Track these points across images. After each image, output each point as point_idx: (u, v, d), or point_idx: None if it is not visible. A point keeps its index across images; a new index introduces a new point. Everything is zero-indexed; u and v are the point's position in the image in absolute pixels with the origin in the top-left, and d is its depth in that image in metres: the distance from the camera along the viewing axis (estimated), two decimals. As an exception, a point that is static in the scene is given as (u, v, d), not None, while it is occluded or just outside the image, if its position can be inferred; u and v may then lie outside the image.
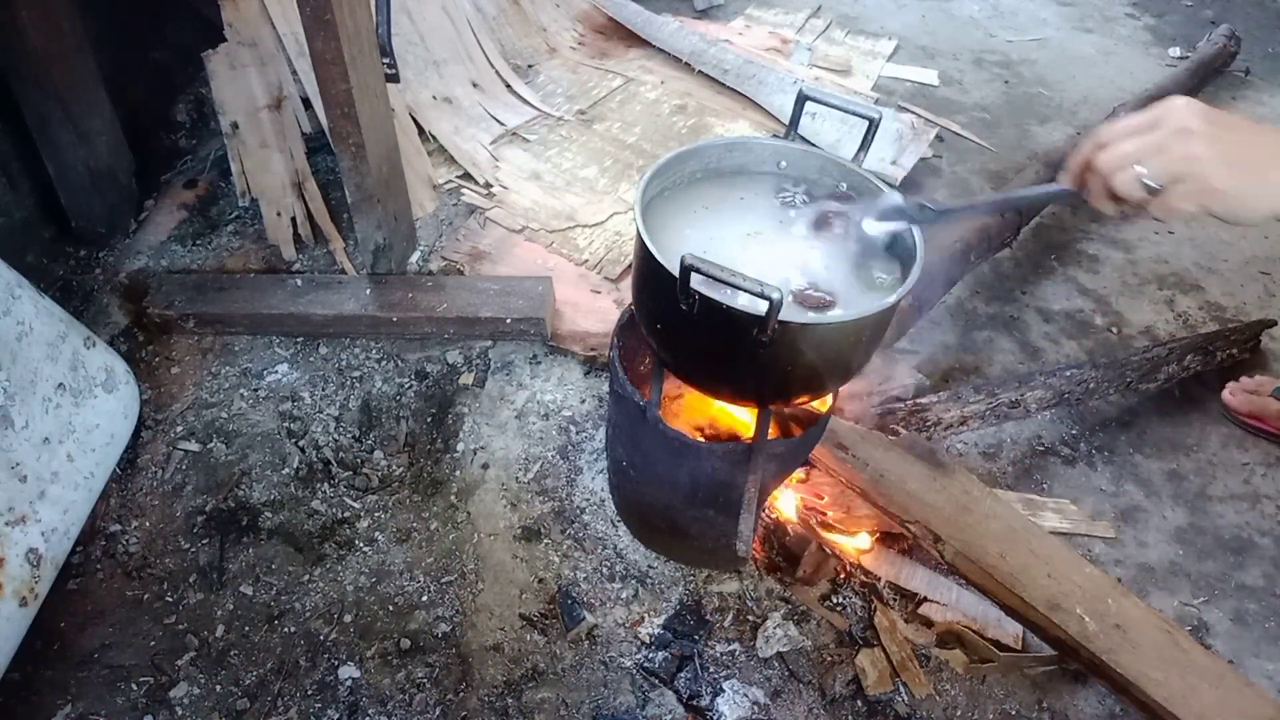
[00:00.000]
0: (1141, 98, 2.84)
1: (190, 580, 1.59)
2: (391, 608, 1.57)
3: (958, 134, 2.95)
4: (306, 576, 1.61)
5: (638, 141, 2.66)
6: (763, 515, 1.65)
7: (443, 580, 1.61)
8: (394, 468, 1.79)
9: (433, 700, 1.45)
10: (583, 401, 1.91)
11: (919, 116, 2.92)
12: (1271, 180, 0.83)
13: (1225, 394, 2.04)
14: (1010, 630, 1.56)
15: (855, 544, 1.64)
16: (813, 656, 1.52)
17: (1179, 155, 0.82)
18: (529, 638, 1.53)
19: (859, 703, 1.47)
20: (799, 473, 1.67)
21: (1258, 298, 2.42)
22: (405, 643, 1.52)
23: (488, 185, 2.40)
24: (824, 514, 1.65)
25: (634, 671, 1.49)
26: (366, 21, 1.67)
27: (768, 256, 1.21)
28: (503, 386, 1.94)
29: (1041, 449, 1.96)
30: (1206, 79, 3.17)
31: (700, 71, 2.99)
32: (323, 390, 1.90)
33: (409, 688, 1.47)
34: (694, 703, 1.45)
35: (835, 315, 1.11)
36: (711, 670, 1.50)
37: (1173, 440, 2.00)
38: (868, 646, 1.53)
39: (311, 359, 1.97)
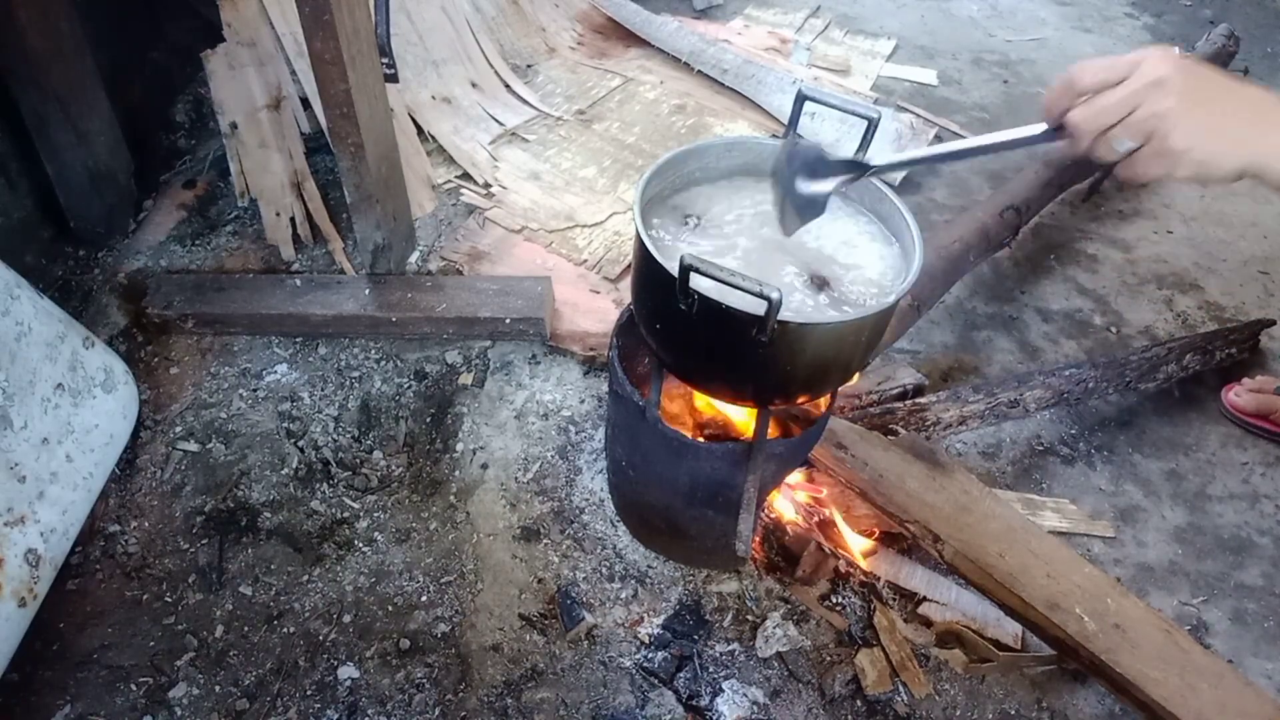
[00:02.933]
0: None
1: (189, 580, 1.59)
2: (391, 608, 1.57)
3: (957, 134, 2.95)
4: (306, 577, 1.61)
5: (637, 141, 2.66)
6: (762, 515, 1.65)
7: (442, 580, 1.61)
8: (393, 468, 1.79)
9: (432, 700, 1.45)
10: (582, 401, 1.91)
11: (918, 116, 2.92)
12: (1228, 140, 0.79)
13: (1231, 395, 2.04)
14: (1009, 630, 1.56)
15: (859, 545, 1.64)
16: (812, 656, 1.52)
17: (1148, 112, 0.79)
18: (528, 638, 1.53)
19: (858, 702, 1.47)
20: (800, 472, 1.67)
21: (1257, 297, 2.42)
22: (405, 643, 1.52)
23: (487, 185, 2.40)
24: (824, 509, 1.65)
25: (633, 671, 1.49)
26: (365, 21, 1.67)
27: (766, 255, 1.21)
28: (502, 386, 1.94)
29: (1041, 449, 1.96)
30: (1205, 79, 3.17)
31: (699, 71, 2.99)
32: (322, 390, 1.90)
33: (408, 688, 1.47)
34: (693, 703, 1.45)
35: (834, 315, 1.11)
36: (711, 670, 1.50)
37: (1172, 440, 2.00)
38: (867, 646, 1.54)
39: (310, 359, 1.97)
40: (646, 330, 1.25)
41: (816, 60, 3.24)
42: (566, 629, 1.54)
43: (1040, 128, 0.90)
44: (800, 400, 1.31)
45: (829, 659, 1.52)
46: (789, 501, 1.67)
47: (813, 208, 1.11)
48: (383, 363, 1.97)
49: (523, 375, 1.96)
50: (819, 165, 1.08)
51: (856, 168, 1.07)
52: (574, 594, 1.58)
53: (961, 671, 1.53)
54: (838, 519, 1.64)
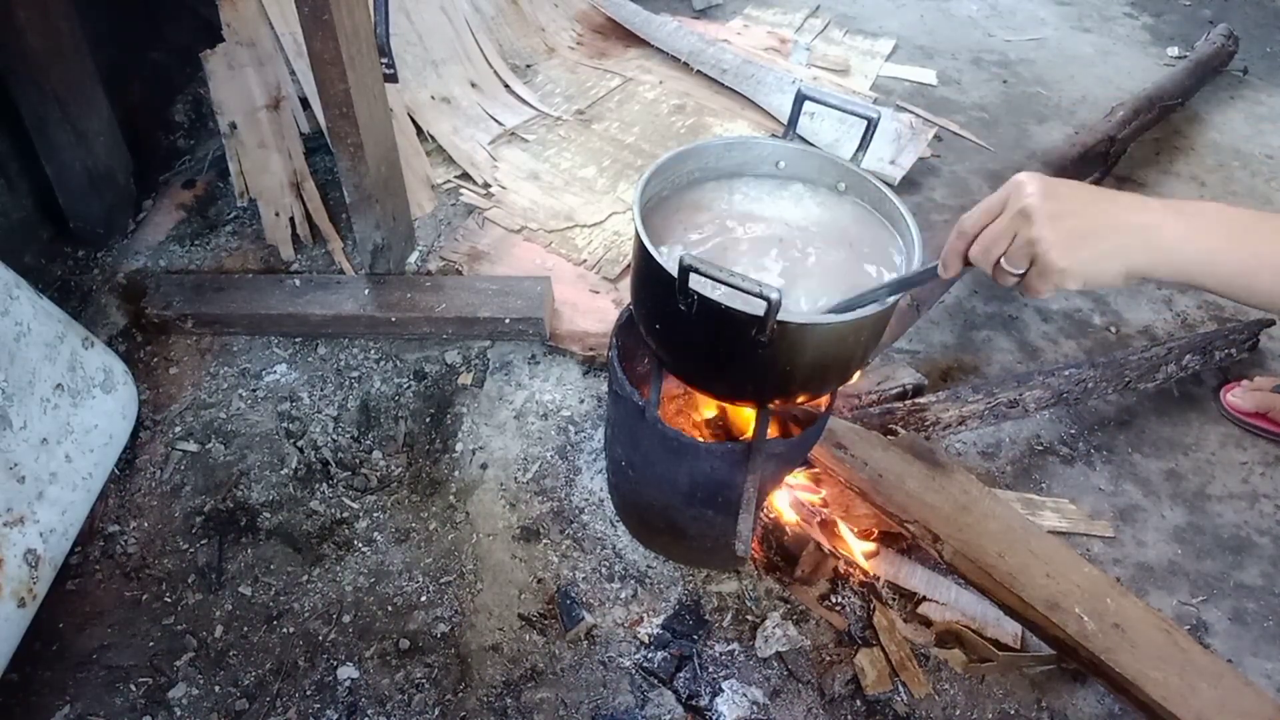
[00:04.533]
0: (1139, 97, 2.85)
1: (189, 581, 1.59)
2: (390, 608, 1.57)
3: (956, 134, 2.95)
4: (305, 577, 1.61)
5: (636, 141, 2.66)
6: (761, 515, 1.65)
7: (441, 580, 1.61)
8: (393, 468, 1.79)
9: (432, 700, 1.45)
10: (581, 401, 1.91)
11: (917, 116, 2.92)
12: (1099, 250, 0.83)
13: (1230, 396, 2.04)
14: (1009, 629, 1.56)
15: (861, 548, 1.64)
16: (811, 656, 1.52)
17: (1022, 241, 0.85)
18: (528, 638, 1.53)
19: (858, 702, 1.47)
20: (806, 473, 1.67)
21: (1256, 297, 2.41)
22: (404, 643, 1.52)
23: (486, 185, 2.40)
24: (824, 509, 1.65)
25: (633, 671, 1.49)
26: (365, 21, 1.67)
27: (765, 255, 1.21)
28: (501, 386, 1.94)
29: (1040, 448, 1.96)
30: (1204, 78, 3.18)
31: (699, 71, 2.99)
32: (321, 390, 1.90)
33: (408, 688, 1.47)
34: (693, 702, 1.45)
35: (833, 315, 1.11)
36: (710, 670, 1.50)
37: (1171, 439, 2.00)
38: (867, 646, 1.54)
39: (310, 359, 1.97)
40: (646, 330, 1.25)
41: (816, 60, 3.24)
42: (566, 629, 1.54)
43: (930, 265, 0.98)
44: (800, 400, 1.31)
45: (828, 659, 1.52)
46: (790, 502, 1.67)
47: None
48: (382, 363, 1.97)
49: (522, 375, 1.96)
50: None
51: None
52: (573, 594, 1.58)
53: (961, 671, 1.53)
54: (843, 530, 1.64)
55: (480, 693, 1.46)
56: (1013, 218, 0.85)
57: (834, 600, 1.61)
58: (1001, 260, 0.87)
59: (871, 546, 1.65)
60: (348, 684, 1.47)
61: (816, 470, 1.64)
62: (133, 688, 1.44)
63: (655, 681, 1.48)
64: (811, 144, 1.37)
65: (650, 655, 1.51)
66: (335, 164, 1.86)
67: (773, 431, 1.48)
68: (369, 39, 1.70)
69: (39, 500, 1.42)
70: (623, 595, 1.59)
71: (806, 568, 1.60)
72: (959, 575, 1.52)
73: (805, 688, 1.49)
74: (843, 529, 1.64)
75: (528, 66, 2.93)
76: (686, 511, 1.42)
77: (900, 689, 1.49)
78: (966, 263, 0.93)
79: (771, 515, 1.66)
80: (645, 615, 1.57)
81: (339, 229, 2.19)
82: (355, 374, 1.94)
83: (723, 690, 1.47)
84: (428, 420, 1.88)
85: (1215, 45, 3.28)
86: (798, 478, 1.69)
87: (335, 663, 1.49)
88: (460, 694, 1.46)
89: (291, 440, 1.81)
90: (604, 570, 1.63)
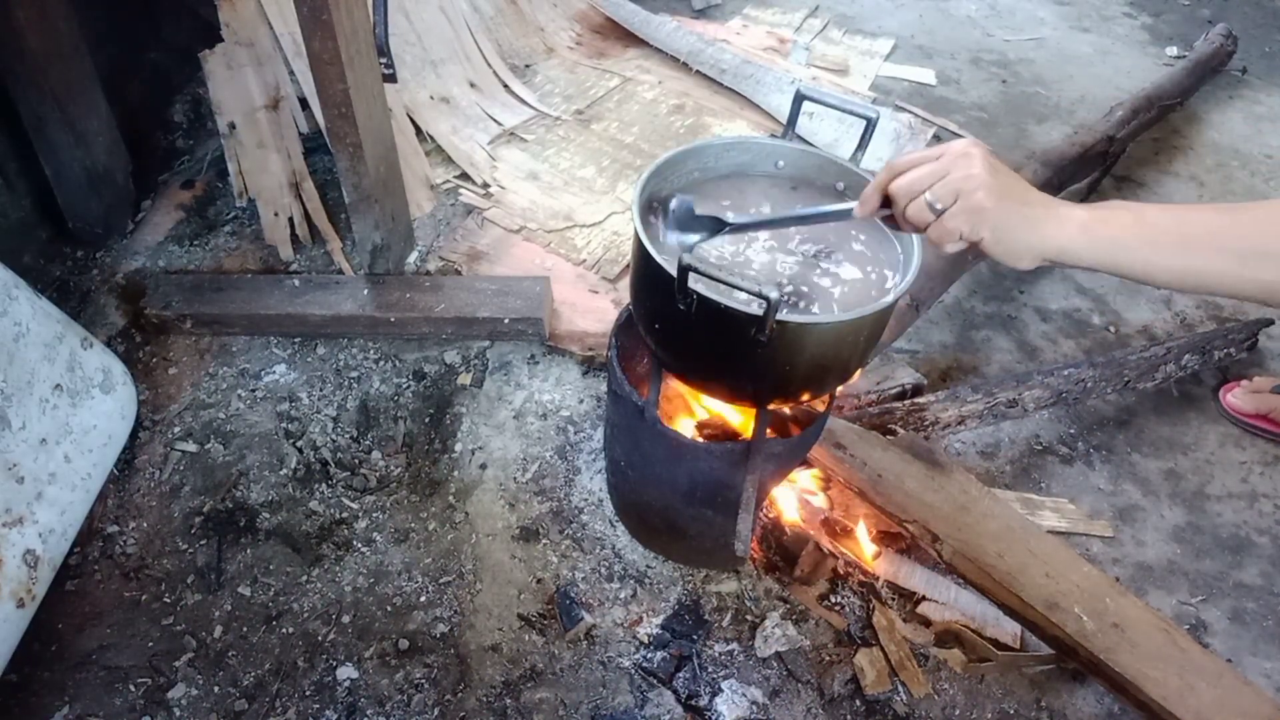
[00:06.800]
0: (1138, 97, 2.85)
1: (188, 581, 1.59)
2: (390, 608, 1.57)
3: (955, 133, 2.95)
4: (304, 577, 1.61)
5: (635, 141, 2.66)
6: (761, 515, 1.65)
7: (441, 580, 1.61)
8: (392, 468, 1.79)
9: (431, 701, 1.45)
10: (581, 401, 1.91)
11: (916, 116, 2.92)
12: (1024, 217, 0.89)
13: (1230, 397, 2.05)
14: (1008, 629, 1.56)
15: (865, 550, 1.64)
16: (811, 656, 1.52)
17: (959, 175, 0.89)
18: (527, 638, 1.53)
19: (857, 702, 1.47)
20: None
21: (1255, 296, 2.42)
22: (403, 643, 1.52)
23: (485, 185, 2.40)
24: (828, 513, 1.65)
25: (632, 671, 1.49)
26: (364, 21, 1.67)
27: (764, 255, 1.21)
28: (500, 387, 1.94)
29: (1039, 448, 1.96)
30: (1203, 78, 3.18)
31: (698, 71, 2.99)
32: (320, 390, 1.90)
33: (407, 688, 1.47)
34: (692, 702, 1.45)
35: (833, 315, 1.12)
36: (710, 670, 1.50)
37: (1170, 439, 2.00)
38: (866, 646, 1.54)
39: (309, 359, 1.97)
40: (645, 330, 1.25)
41: (815, 60, 3.24)
42: (565, 629, 1.54)
43: (848, 206, 1.00)
44: (800, 400, 1.31)
45: (828, 659, 1.52)
46: (797, 502, 1.67)
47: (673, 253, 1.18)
48: (381, 363, 1.97)
49: (521, 375, 1.96)
50: (688, 220, 1.13)
51: (716, 225, 1.12)
52: (573, 594, 1.58)
53: (960, 671, 1.53)
54: (861, 529, 1.64)
55: (480, 693, 1.46)
56: (953, 157, 0.90)
57: (833, 600, 1.61)
58: (926, 194, 0.90)
59: (874, 548, 1.65)
60: (347, 684, 1.47)
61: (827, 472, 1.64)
62: (132, 688, 1.44)
63: (655, 681, 1.48)
64: (811, 144, 1.36)
65: (650, 655, 1.51)
66: (334, 164, 1.86)
67: (772, 431, 1.48)
68: (368, 39, 1.70)
69: (38, 501, 1.42)
70: (622, 595, 1.59)
71: (806, 568, 1.60)
72: (958, 575, 1.52)
73: (805, 688, 1.49)
74: (860, 531, 1.64)
75: (527, 66, 2.93)
76: (686, 511, 1.42)
77: (900, 689, 1.49)
78: (884, 203, 0.96)
79: (771, 515, 1.66)
80: (645, 615, 1.57)
81: (338, 229, 2.19)
82: (354, 374, 1.94)
83: (722, 690, 1.47)
84: (427, 420, 1.88)
85: (1214, 45, 3.28)
86: (808, 480, 1.69)
87: (334, 663, 1.49)
88: (460, 694, 1.46)
89: (290, 440, 1.81)
90: (603, 570, 1.63)
